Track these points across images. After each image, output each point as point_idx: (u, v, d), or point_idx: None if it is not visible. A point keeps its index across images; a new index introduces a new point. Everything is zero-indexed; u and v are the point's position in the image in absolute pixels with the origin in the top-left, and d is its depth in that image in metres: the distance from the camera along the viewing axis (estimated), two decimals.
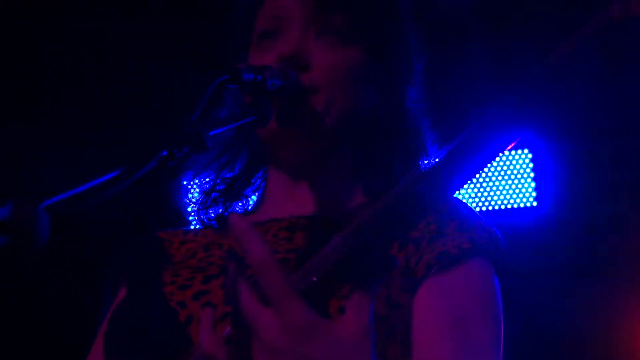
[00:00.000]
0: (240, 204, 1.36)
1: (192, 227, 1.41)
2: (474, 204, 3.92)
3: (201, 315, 0.96)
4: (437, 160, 0.86)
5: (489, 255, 1.19)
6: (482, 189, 4.17)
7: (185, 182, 1.40)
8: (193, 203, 1.36)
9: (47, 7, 3.14)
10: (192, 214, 1.37)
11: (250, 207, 1.38)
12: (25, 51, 3.19)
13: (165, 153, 0.98)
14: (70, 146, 3.15)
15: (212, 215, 1.34)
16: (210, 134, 1.03)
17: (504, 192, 4.01)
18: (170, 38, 3.19)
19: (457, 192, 0.92)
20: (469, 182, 0.88)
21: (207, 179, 1.35)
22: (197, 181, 1.37)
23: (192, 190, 1.38)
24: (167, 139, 0.99)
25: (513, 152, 3.89)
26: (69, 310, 3.21)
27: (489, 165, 0.83)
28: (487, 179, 4.17)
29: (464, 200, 1.30)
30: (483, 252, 1.18)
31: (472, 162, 0.85)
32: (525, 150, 3.86)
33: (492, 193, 4.06)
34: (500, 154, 0.84)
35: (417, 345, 1.11)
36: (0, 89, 3.19)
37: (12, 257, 0.83)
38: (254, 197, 1.38)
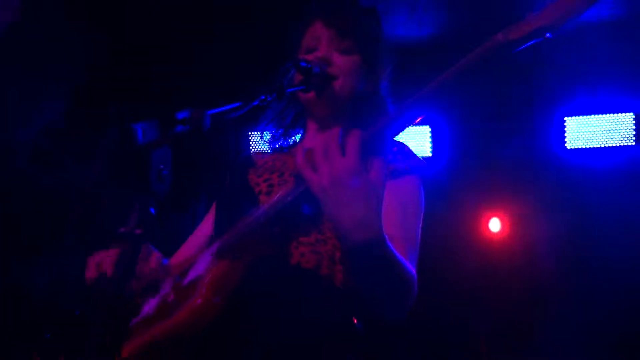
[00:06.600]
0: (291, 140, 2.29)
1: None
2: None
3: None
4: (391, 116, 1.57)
5: (418, 173, 2.01)
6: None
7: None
8: (266, 139, 2.28)
9: None
10: (267, 143, 2.29)
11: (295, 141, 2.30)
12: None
13: (262, 97, 1.73)
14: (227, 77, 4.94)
15: (277, 145, 2.26)
16: (287, 91, 1.81)
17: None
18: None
19: (398, 136, 1.60)
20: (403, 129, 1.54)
21: (272, 126, 2.27)
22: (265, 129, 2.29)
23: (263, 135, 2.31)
24: (263, 87, 1.75)
25: None
26: None
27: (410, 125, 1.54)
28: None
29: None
30: (416, 171, 2.01)
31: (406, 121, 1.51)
32: None
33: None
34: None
35: (384, 214, 1.71)
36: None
37: (187, 140, 1.52)
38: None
